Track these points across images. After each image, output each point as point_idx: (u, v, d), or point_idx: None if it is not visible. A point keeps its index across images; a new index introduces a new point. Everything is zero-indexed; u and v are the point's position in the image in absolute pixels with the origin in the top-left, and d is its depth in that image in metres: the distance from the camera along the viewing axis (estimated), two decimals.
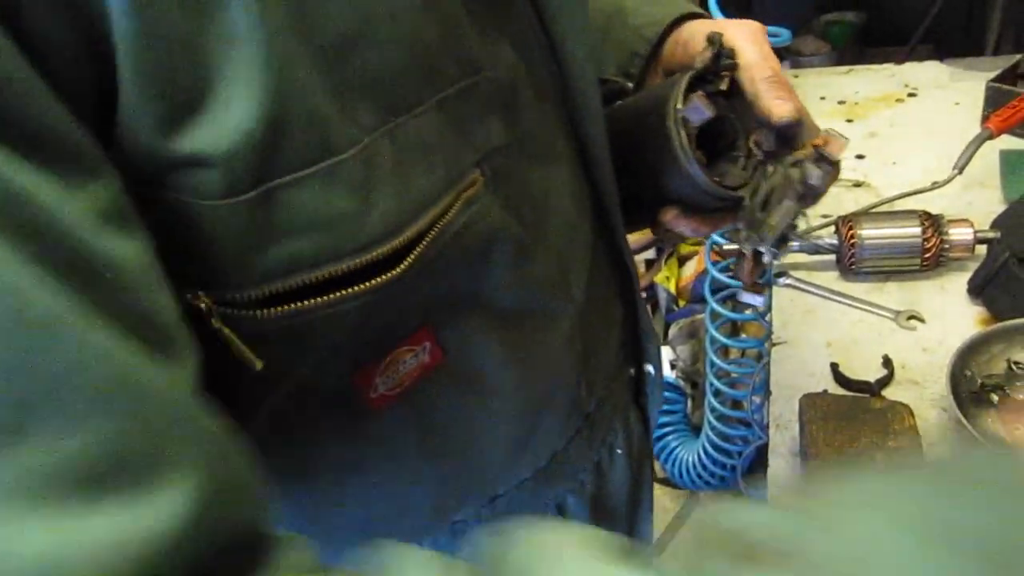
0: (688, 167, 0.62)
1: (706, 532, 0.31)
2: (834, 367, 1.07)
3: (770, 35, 1.42)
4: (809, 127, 0.63)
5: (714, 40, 0.62)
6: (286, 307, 0.41)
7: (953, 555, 0.26)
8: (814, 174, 0.59)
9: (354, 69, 0.39)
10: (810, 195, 0.61)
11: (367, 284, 0.43)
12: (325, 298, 0.42)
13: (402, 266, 0.44)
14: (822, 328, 1.14)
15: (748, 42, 0.63)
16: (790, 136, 0.63)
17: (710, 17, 0.72)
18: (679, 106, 0.61)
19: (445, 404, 0.56)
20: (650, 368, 0.79)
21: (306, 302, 0.42)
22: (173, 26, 0.33)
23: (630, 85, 0.71)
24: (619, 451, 0.75)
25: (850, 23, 3.07)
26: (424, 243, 0.44)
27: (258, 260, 0.39)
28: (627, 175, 0.66)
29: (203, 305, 0.39)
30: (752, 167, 0.63)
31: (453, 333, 0.52)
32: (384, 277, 0.43)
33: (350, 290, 0.42)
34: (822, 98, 1.65)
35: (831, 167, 0.60)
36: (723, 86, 0.63)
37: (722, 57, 0.63)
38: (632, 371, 0.78)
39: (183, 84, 0.34)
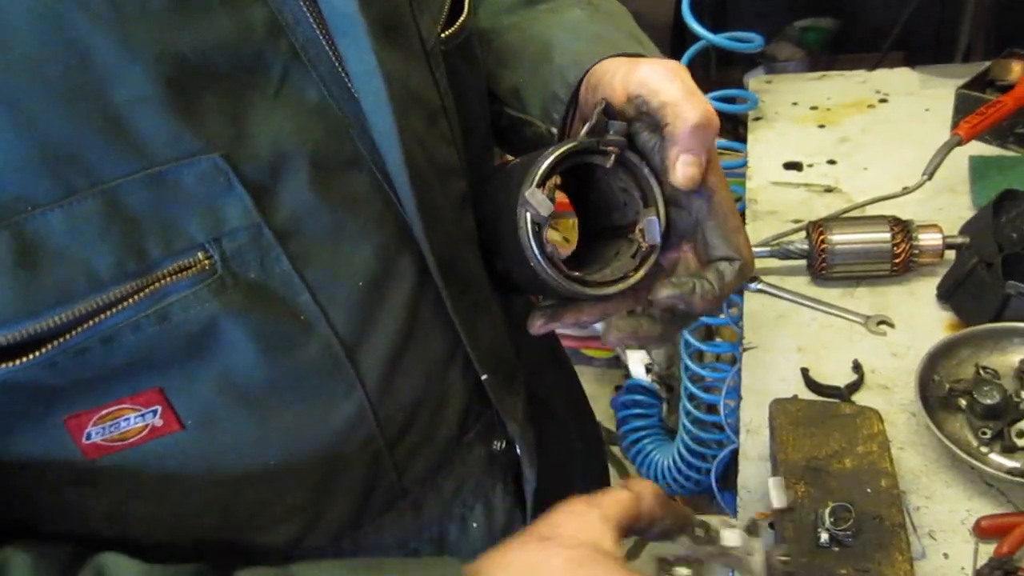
0: (533, 264, 0.54)
1: None
2: (804, 372, 1.07)
3: (742, 41, 1.43)
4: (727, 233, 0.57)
5: (597, 106, 0.56)
6: None
7: None
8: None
9: None
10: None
11: None
12: None
13: (34, 354, 0.43)
14: (793, 333, 1.14)
15: (667, 80, 0.56)
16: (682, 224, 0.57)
17: (650, 55, 0.65)
18: (528, 191, 0.53)
19: (187, 471, 0.52)
20: (518, 449, 0.72)
21: None
22: None
23: (554, 131, 0.65)
24: (475, 524, 0.70)
25: (824, 29, 3.10)
26: (76, 332, 0.43)
27: None
28: (496, 255, 0.60)
29: None
30: (641, 256, 0.57)
31: (193, 405, 0.49)
32: (9, 364, 0.43)
33: None
34: (795, 103, 1.66)
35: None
36: (608, 163, 0.56)
37: (607, 129, 0.56)
38: (502, 445, 0.72)
39: None
